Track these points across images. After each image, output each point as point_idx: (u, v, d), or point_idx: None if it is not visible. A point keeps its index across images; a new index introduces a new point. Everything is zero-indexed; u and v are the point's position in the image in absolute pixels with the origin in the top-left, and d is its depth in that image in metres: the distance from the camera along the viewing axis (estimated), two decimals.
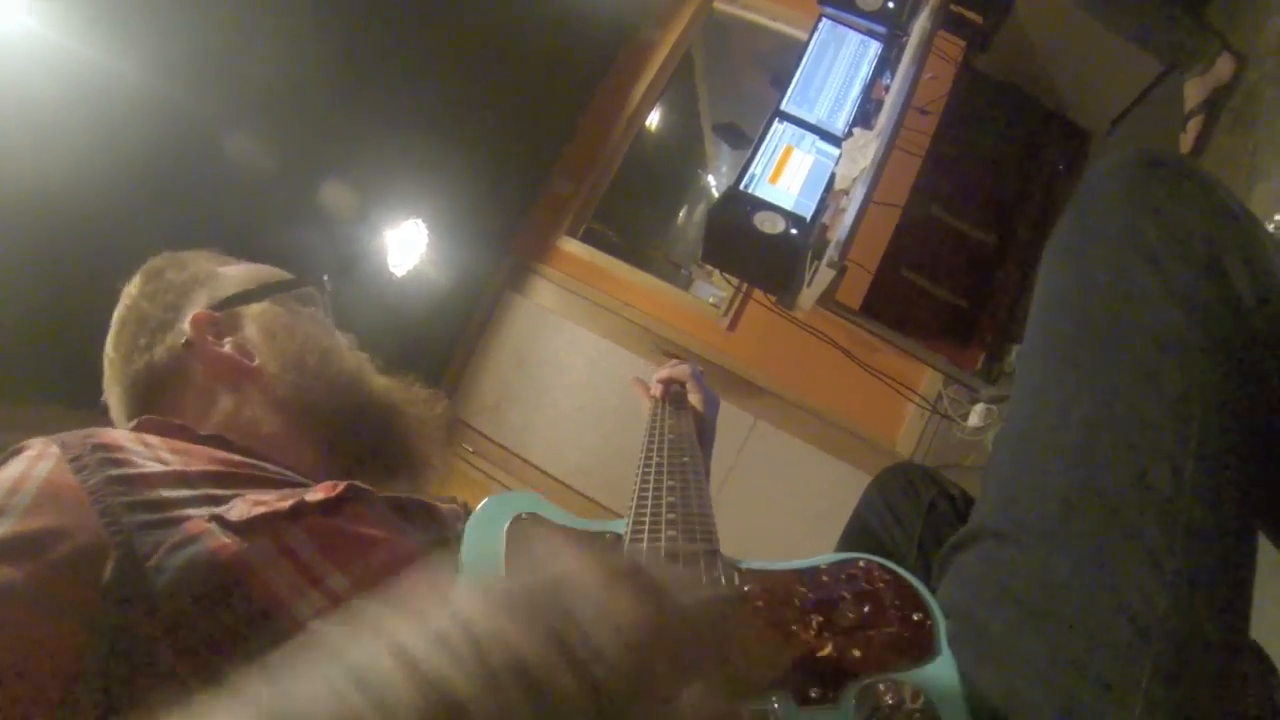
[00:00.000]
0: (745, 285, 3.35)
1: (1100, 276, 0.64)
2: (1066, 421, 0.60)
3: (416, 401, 0.94)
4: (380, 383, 0.92)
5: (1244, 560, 0.56)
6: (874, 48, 2.57)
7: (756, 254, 2.26)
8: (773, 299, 3.07)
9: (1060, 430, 0.60)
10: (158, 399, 0.84)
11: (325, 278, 0.99)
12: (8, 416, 1.75)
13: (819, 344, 3.11)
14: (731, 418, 3.34)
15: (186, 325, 0.84)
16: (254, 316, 0.88)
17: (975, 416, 2.67)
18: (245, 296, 0.89)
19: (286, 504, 0.60)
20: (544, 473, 3.54)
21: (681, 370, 1.18)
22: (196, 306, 0.86)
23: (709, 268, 3.61)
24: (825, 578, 0.61)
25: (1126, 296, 0.61)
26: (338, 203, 2.55)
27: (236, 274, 0.92)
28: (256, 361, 0.84)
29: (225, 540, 0.56)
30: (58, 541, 0.53)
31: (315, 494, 0.63)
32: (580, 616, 0.33)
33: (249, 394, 0.83)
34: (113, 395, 0.87)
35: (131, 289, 0.90)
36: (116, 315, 0.89)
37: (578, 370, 3.61)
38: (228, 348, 0.84)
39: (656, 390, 1.16)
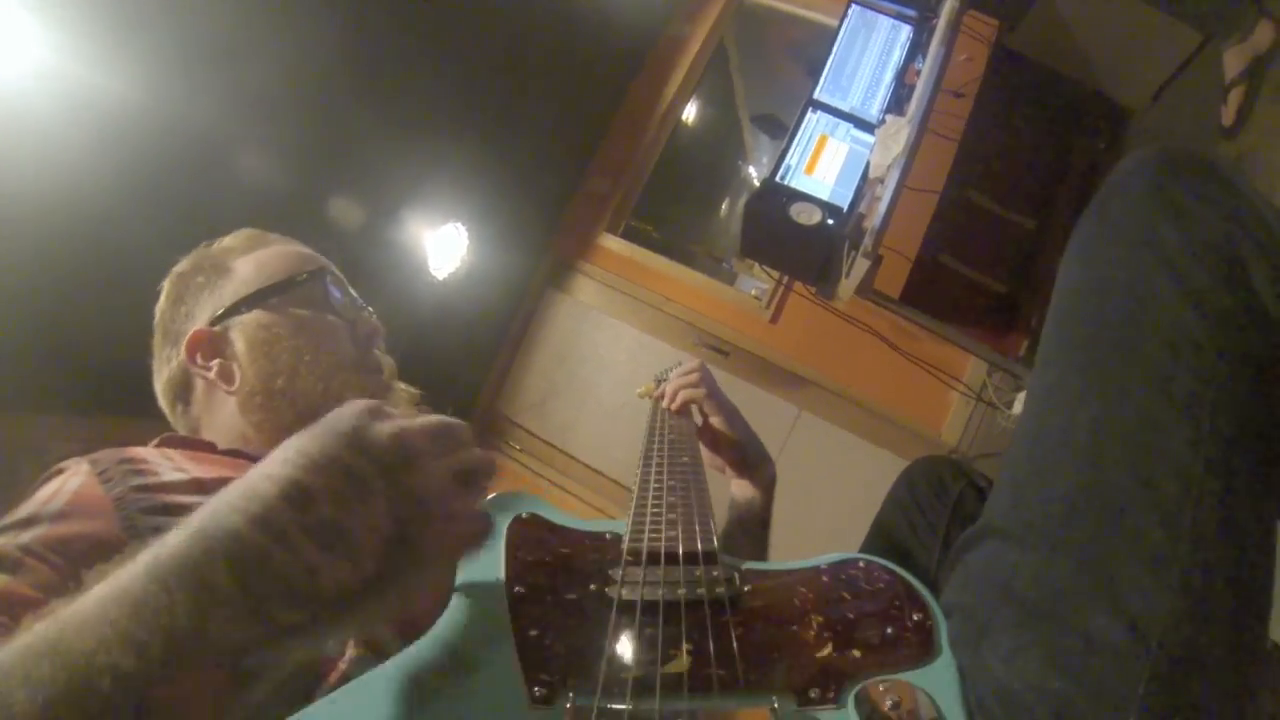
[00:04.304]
0: (785, 278, 3.32)
1: (1117, 277, 0.63)
2: (1076, 422, 0.59)
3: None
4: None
5: (1257, 568, 0.54)
6: (905, 31, 2.54)
7: (794, 246, 2.26)
8: (813, 290, 3.05)
9: (1069, 431, 0.59)
10: (183, 406, 0.91)
11: (329, 269, 0.96)
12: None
13: (861, 334, 3.08)
14: (776, 410, 3.33)
15: (184, 346, 0.88)
16: (243, 328, 0.88)
17: (1020, 403, 2.62)
18: (237, 308, 0.89)
19: None
20: (590, 468, 3.56)
21: (698, 394, 1.10)
22: (201, 319, 0.90)
23: (750, 261, 3.59)
24: (825, 578, 0.60)
25: (1142, 299, 0.60)
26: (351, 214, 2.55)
27: (247, 272, 0.92)
28: (235, 385, 0.86)
29: None
30: (83, 543, 0.58)
31: None
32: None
33: (239, 411, 0.87)
34: (159, 397, 0.94)
35: (162, 294, 0.95)
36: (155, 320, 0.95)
37: (621, 365, 3.62)
38: (213, 372, 0.87)
39: (676, 405, 1.08)
